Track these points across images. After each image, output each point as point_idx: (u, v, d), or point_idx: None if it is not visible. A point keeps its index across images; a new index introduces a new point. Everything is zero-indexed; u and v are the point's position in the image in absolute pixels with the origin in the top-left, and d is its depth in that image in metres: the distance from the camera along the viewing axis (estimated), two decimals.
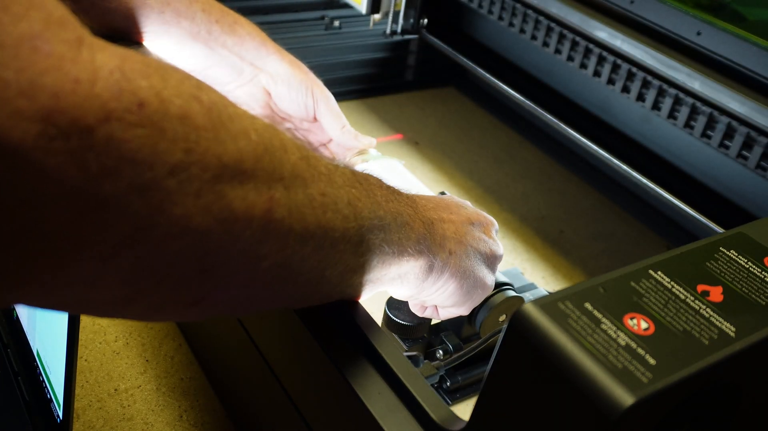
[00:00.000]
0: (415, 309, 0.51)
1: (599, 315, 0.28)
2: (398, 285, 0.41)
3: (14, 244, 0.22)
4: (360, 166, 0.63)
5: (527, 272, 0.78)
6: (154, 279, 0.27)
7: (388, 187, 0.40)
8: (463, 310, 0.49)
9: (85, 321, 0.63)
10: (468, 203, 0.50)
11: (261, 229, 0.29)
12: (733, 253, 0.34)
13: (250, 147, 0.28)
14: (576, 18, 0.80)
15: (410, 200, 0.42)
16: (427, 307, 0.50)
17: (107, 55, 0.24)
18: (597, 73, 0.80)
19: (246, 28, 0.62)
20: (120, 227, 0.24)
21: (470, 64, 0.98)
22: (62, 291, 0.26)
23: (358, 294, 0.39)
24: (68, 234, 0.23)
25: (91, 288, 0.26)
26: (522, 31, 0.88)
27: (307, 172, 0.32)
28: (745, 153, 0.68)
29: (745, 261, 0.33)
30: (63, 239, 0.23)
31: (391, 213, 0.38)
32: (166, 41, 0.60)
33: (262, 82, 0.63)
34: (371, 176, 0.38)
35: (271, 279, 0.32)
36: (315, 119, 0.65)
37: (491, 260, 0.48)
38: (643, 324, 0.28)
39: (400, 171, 0.64)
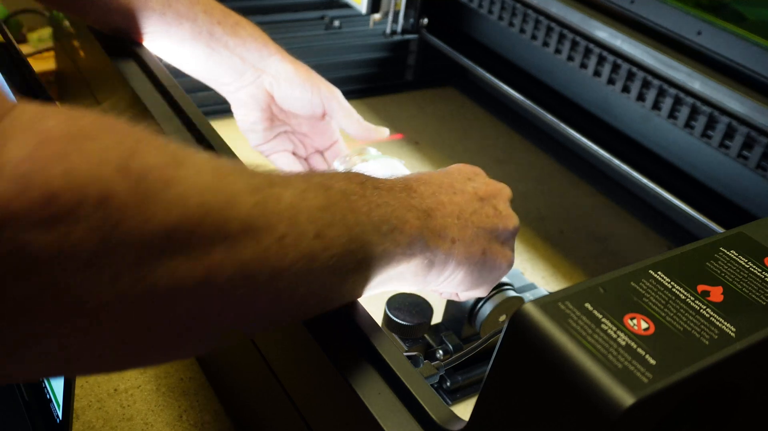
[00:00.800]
0: (434, 294, 0.49)
1: (599, 315, 0.28)
2: (396, 284, 0.40)
3: None
4: (360, 166, 0.63)
5: (527, 272, 0.78)
6: (85, 358, 0.26)
7: (376, 188, 0.37)
8: (481, 292, 0.47)
9: None
10: (479, 171, 0.47)
11: (199, 297, 0.27)
12: (733, 253, 0.34)
13: (187, 214, 0.25)
14: (576, 18, 0.80)
15: (406, 192, 0.39)
16: (443, 292, 0.48)
17: (20, 142, 0.22)
18: (597, 73, 0.80)
19: (248, 29, 0.62)
20: (29, 325, 0.23)
21: (470, 63, 0.98)
22: None
23: (353, 299, 0.38)
24: None
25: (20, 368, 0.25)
26: (522, 31, 0.88)
27: (261, 219, 0.29)
28: (745, 153, 0.68)
29: (745, 261, 0.33)
30: None
31: (374, 224, 0.35)
32: (168, 42, 0.60)
33: (264, 84, 0.63)
34: (353, 184, 0.36)
35: (235, 325, 0.30)
36: (323, 117, 0.65)
37: (505, 235, 0.45)
38: (643, 324, 0.28)
39: (400, 171, 0.64)
